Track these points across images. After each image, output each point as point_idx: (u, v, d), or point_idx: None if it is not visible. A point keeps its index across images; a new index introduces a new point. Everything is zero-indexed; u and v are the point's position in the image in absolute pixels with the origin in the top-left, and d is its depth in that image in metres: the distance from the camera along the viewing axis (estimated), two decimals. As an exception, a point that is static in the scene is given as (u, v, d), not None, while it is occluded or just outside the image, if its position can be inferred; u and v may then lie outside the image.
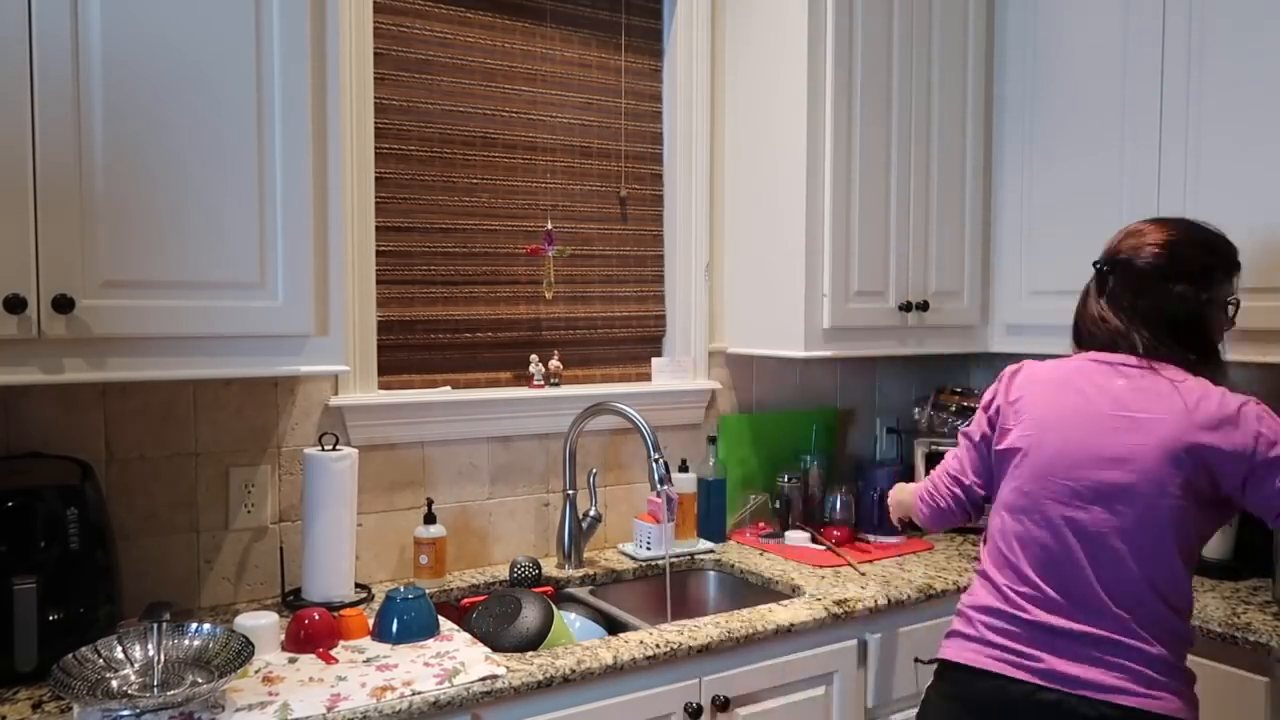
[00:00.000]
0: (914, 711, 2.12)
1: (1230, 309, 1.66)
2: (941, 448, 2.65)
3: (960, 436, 1.80)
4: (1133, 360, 1.59)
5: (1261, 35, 2.05)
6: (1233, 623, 1.87)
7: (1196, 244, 1.64)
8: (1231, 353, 2.11)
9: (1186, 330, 1.60)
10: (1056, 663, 1.51)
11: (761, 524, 2.64)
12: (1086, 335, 1.68)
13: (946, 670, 1.64)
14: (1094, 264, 1.70)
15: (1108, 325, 1.63)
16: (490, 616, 1.89)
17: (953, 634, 1.66)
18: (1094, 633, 1.50)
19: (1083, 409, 1.57)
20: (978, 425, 1.75)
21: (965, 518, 1.81)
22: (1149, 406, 1.52)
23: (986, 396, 1.74)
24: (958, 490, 1.78)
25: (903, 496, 1.97)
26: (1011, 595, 1.58)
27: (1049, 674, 1.51)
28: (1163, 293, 1.60)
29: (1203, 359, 1.61)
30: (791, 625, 1.91)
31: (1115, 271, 1.65)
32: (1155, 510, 1.49)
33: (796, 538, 2.50)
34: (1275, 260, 2.04)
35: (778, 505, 2.60)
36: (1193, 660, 1.92)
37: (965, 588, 2.15)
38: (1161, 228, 1.65)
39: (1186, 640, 1.53)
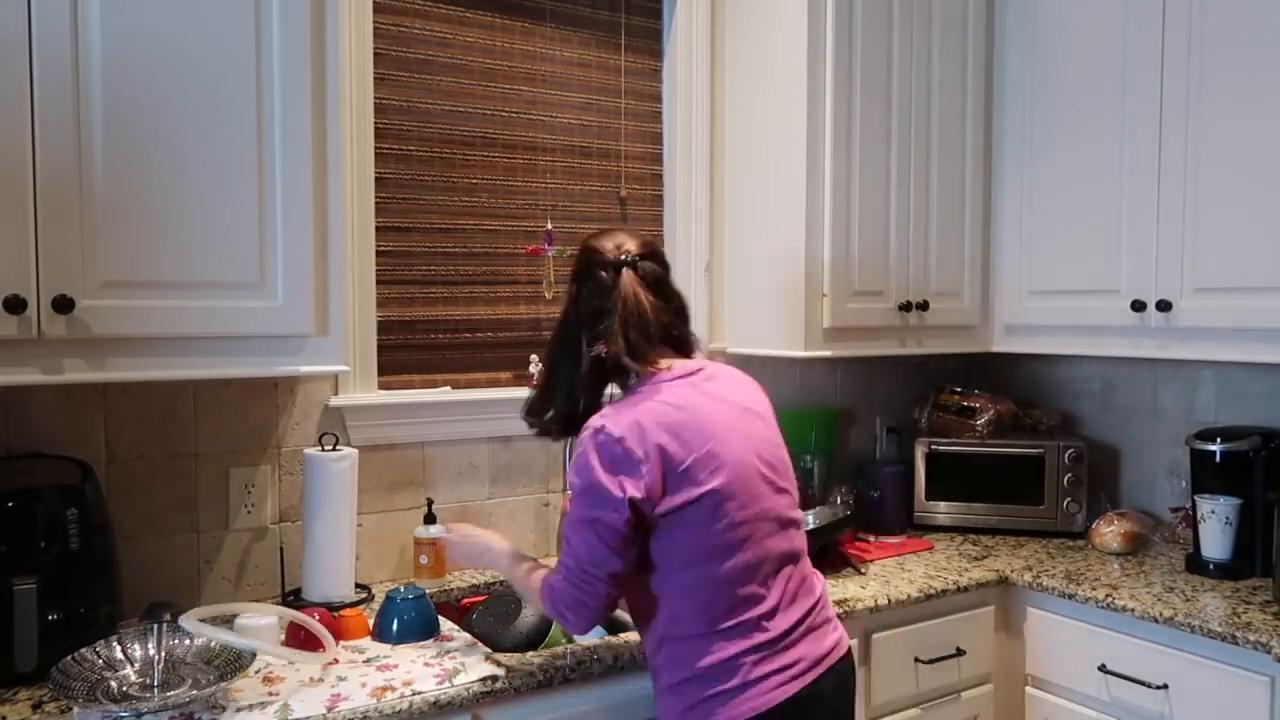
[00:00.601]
0: (915, 711, 2.13)
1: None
2: (942, 448, 2.65)
3: (582, 523, 1.50)
4: (696, 364, 1.62)
5: (1261, 32, 2.05)
6: (1233, 623, 1.87)
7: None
8: (1232, 353, 2.12)
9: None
10: (807, 648, 1.52)
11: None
12: (656, 337, 1.60)
13: None
14: (631, 258, 1.61)
15: (680, 321, 1.66)
16: (490, 616, 1.89)
17: (714, 697, 1.47)
18: (810, 604, 1.56)
19: (724, 423, 1.52)
20: (634, 491, 1.46)
21: (605, 614, 1.55)
22: (742, 392, 1.63)
23: (617, 466, 1.48)
24: (604, 584, 1.50)
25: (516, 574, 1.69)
26: (759, 624, 1.49)
27: (809, 666, 1.51)
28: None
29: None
30: (791, 625, 1.90)
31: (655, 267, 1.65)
32: (787, 468, 1.63)
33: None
34: (1274, 261, 2.04)
35: (778, 505, 2.60)
36: (1193, 660, 1.92)
37: (941, 592, 2.12)
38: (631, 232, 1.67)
39: None
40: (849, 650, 1.61)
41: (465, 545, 1.78)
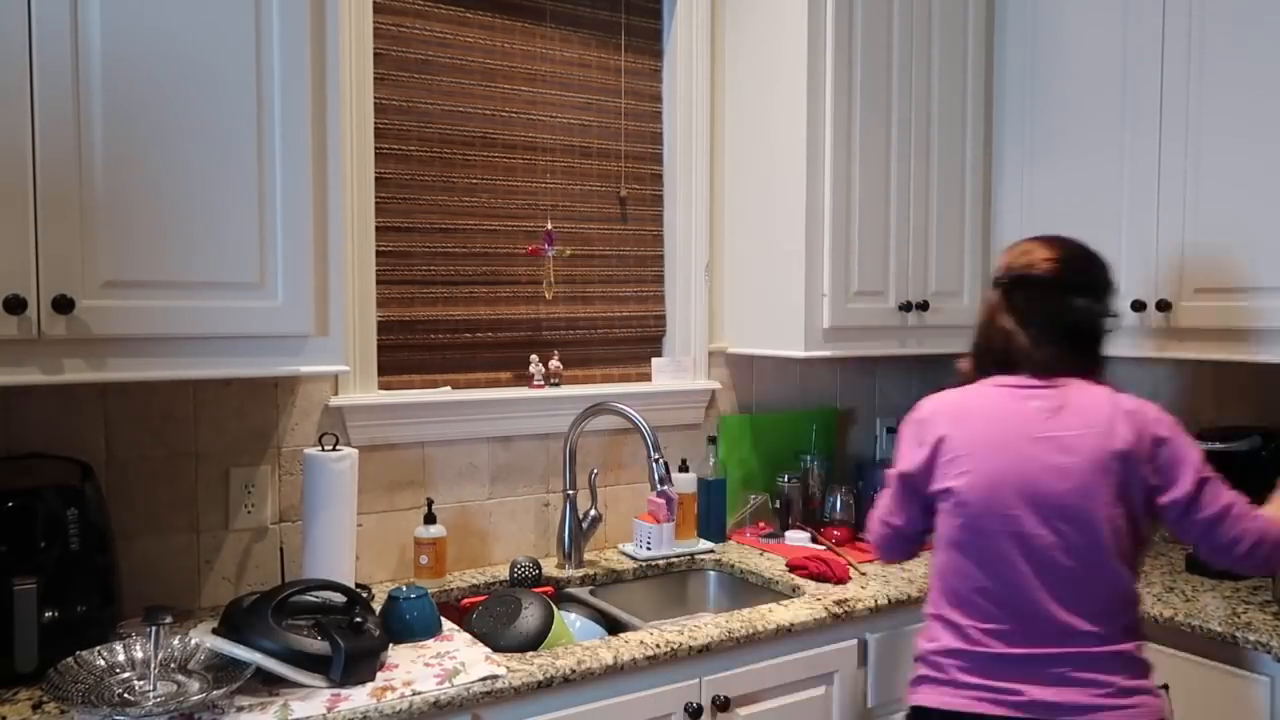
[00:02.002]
0: (914, 711, 2.12)
1: (1113, 320, 1.70)
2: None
3: (887, 478, 1.75)
4: (1036, 380, 1.62)
5: (1262, 33, 2.05)
6: (1233, 623, 1.87)
7: (1087, 258, 1.69)
8: (1232, 352, 2.12)
9: (1086, 341, 1.66)
10: (1035, 691, 1.51)
11: (761, 524, 2.64)
12: (989, 352, 1.70)
13: (922, 718, 1.60)
14: (995, 280, 1.72)
15: (1014, 342, 1.65)
16: (490, 616, 1.89)
17: (922, 680, 1.62)
18: (1060, 653, 1.52)
19: (1009, 437, 1.57)
20: (907, 466, 1.68)
21: (906, 555, 1.79)
22: (1069, 423, 1.56)
23: (909, 440, 1.69)
24: (889, 531, 1.75)
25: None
26: (973, 634, 1.57)
27: (1030, 705, 1.51)
28: (1063, 305, 1.64)
29: (1098, 369, 1.67)
30: (791, 625, 1.91)
31: (1017, 287, 1.67)
32: (1094, 523, 1.52)
33: (796, 538, 2.50)
34: (1274, 261, 2.04)
35: (778, 505, 2.61)
36: (1192, 660, 1.92)
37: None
38: (1047, 244, 1.69)
39: (1140, 632, 1.58)
40: None
41: None
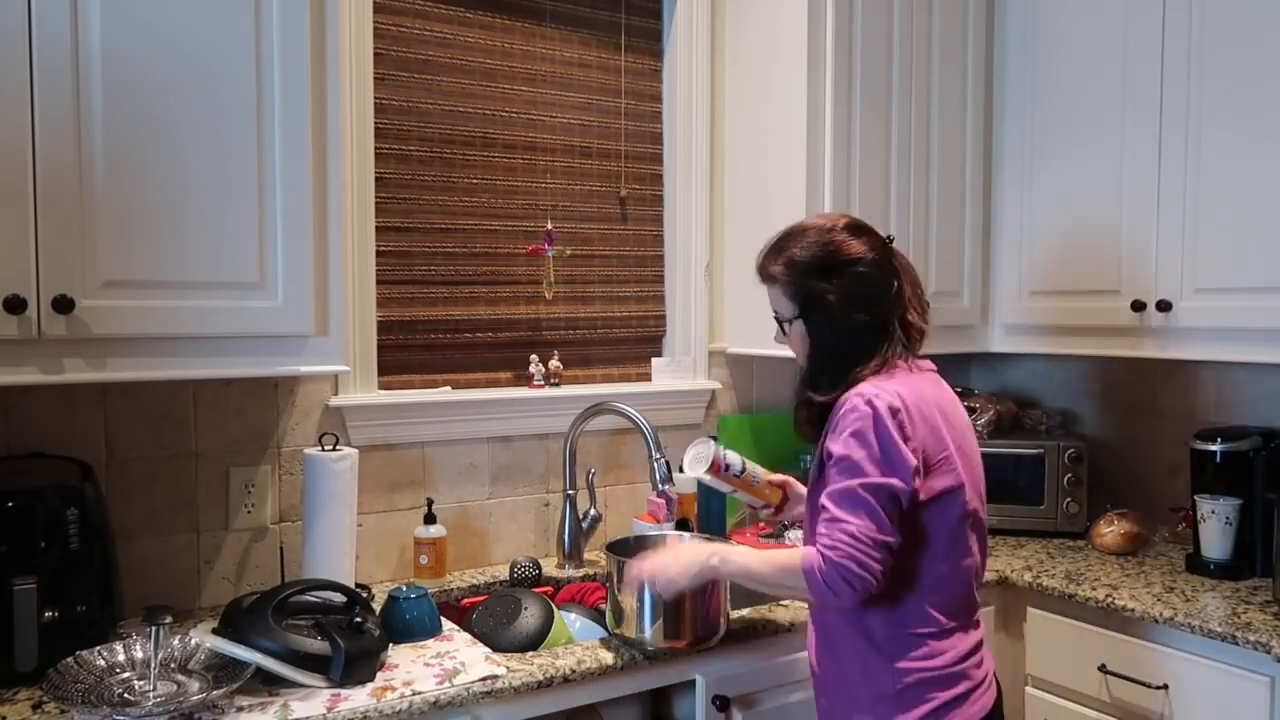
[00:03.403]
0: (914, 711, 2.12)
1: None
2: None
3: (873, 490, 1.44)
4: (928, 364, 1.62)
5: (1261, 29, 2.05)
6: (1233, 623, 1.87)
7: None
8: (1232, 353, 2.12)
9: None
10: (989, 664, 1.60)
11: (761, 524, 2.64)
12: (905, 335, 1.58)
13: None
14: (888, 238, 1.61)
15: (923, 324, 1.62)
16: (490, 616, 1.89)
17: (947, 706, 1.49)
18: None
19: (958, 427, 1.56)
20: (907, 467, 1.44)
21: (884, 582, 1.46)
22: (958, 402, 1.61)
23: (896, 437, 1.45)
24: (888, 555, 1.44)
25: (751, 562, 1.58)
26: (974, 624, 1.59)
27: (992, 680, 1.59)
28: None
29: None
30: (792, 625, 1.91)
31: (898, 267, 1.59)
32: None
33: (796, 538, 2.49)
34: (1274, 261, 2.04)
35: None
36: (1192, 659, 1.92)
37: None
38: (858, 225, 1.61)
39: None
40: None
41: (660, 570, 1.63)
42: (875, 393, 1.46)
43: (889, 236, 1.63)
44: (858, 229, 1.59)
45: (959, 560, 1.52)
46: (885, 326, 1.56)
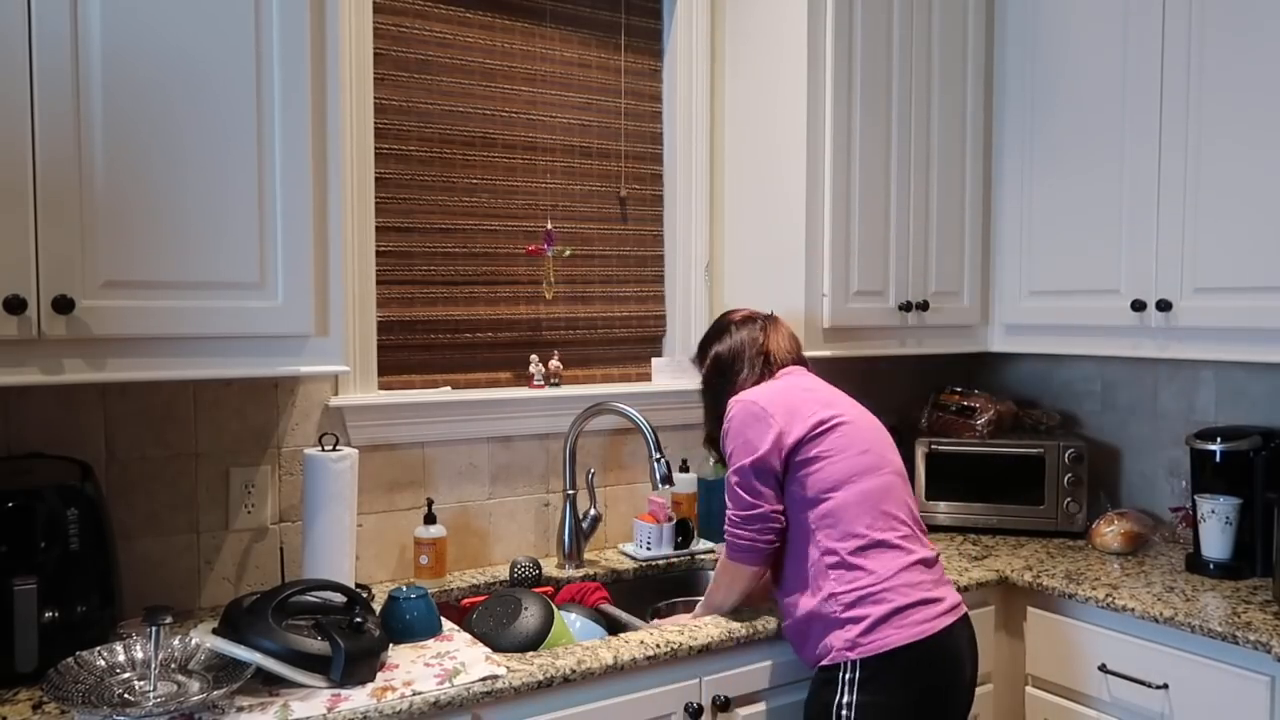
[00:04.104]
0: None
1: None
2: (942, 448, 2.65)
3: (744, 473, 1.82)
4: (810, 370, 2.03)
5: (1261, 39, 2.05)
6: (1233, 622, 1.87)
7: None
8: (1232, 352, 2.12)
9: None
10: (947, 592, 1.78)
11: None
12: (776, 358, 1.99)
13: (891, 660, 1.67)
14: (765, 317, 2.07)
15: (797, 350, 2.05)
16: (490, 616, 1.89)
17: (882, 621, 1.69)
18: (935, 553, 1.81)
19: (836, 394, 1.90)
20: (782, 442, 1.81)
21: (772, 548, 1.84)
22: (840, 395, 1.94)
23: (768, 425, 1.82)
24: (764, 521, 1.81)
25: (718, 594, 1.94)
26: (904, 545, 1.74)
27: (951, 607, 1.75)
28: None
29: None
30: (792, 625, 1.90)
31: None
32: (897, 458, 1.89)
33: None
34: (1274, 261, 2.04)
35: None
36: (1193, 660, 1.92)
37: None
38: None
39: None
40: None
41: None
42: (737, 399, 1.89)
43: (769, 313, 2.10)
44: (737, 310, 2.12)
45: (853, 489, 1.76)
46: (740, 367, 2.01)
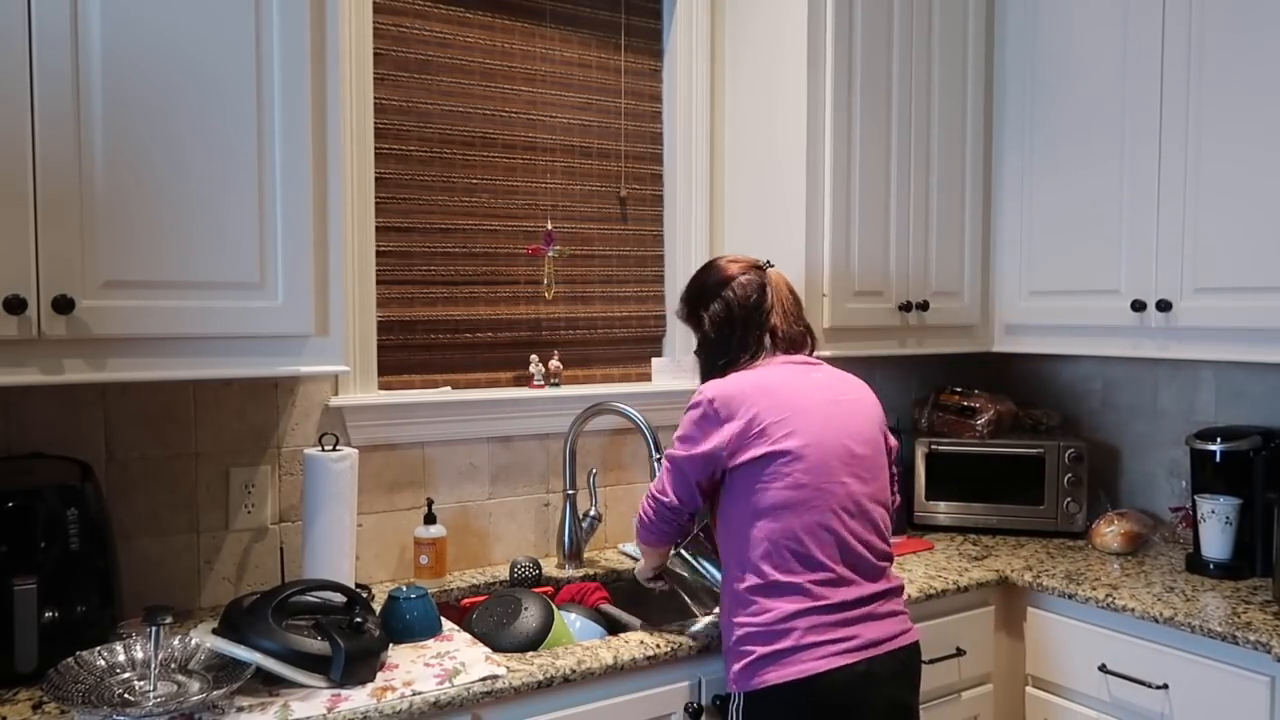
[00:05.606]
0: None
1: None
2: (942, 448, 2.65)
3: (672, 461, 1.76)
4: (811, 359, 1.85)
5: (1261, 39, 2.05)
6: (1233, 623, 1.87)
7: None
8: (1232, 352, 2.12)
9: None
10: (868, 631, 1.67)
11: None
12: (776, 339, 1.85)
13: (777, 695, 1.61)
14: (765, 264, 1.91)
15: (795, 330, 1.87)
16: (490, 616, 1.89)
17: (765, 659, 1.62)
18: (876, 590, 1.70)
19: (814, 403, 1.74)
20: (710, 444, 1.71)
21: (673, 537, 1.85)
22: (849, 391, 1.80)
23: (707, 421, 1.72)
24: (666, 511, 1.78)
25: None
26: (813, 589, 1.65)
27: (864, 645, 1.65)
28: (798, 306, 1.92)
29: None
30: (792, 625, 1.90)
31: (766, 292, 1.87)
32: (881, 472, 1.78)
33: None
34: (1274, 261, 2.04)
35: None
36: (1193, 660, 1.92)
37: (941, 592, 2.14)
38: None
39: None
40: (915, 644, 1.74)
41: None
42: (710, 386, 1.76)
43: (766, 261, 1.93)
44: (732, 261, 1.91)
45: (789, 518, 1.66)
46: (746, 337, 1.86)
